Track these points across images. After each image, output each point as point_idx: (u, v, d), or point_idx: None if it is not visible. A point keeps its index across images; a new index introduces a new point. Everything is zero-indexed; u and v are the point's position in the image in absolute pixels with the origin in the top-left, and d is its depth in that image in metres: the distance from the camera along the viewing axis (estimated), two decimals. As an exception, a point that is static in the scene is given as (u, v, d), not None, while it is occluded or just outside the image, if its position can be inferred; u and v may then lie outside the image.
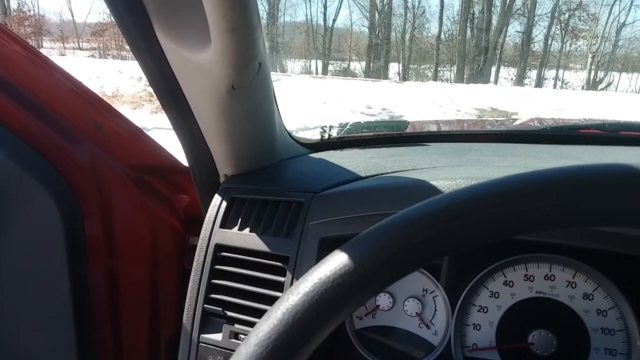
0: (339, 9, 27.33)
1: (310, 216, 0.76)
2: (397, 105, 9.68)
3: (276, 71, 21.25)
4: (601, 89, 21.25)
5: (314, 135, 1.14)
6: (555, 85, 23.78)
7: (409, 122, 1.17)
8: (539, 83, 23.25)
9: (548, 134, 1.12)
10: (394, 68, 26.22)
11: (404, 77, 23.91)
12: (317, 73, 24.12)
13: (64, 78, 0.86)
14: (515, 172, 0.35)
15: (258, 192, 0.84)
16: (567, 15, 23.84)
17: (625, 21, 23.13)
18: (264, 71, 0.70)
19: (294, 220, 0.77)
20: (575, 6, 23.26)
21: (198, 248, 0.82)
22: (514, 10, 23.02)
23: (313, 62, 27.49)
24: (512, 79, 23.75)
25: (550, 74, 24.92)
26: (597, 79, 22.91)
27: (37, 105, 0.83)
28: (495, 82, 20.77)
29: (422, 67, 26.23)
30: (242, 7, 0.56)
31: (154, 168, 0.96)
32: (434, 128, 1.29)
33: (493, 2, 22.44)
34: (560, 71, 24.87)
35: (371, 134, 1.14)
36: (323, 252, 0.73)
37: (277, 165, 0.94)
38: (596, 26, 23.33)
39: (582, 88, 21.28)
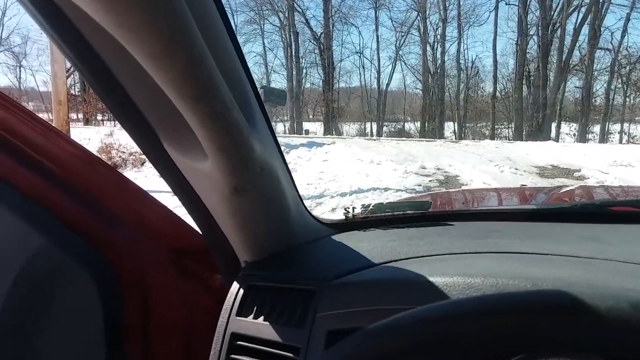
0: (392, 73, 28.14)
1: (320, 306, 0.77)
2: (452, 164, 9.63)
3: (332, 134, 21.82)
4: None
5: (356, 207, 1.16)
6: (621, 140, 22.77)
7: (431, 202, 1.18)
8: (603, 138, 22.36)
9: (577, 211, 1.07)
10: (450, 127, 26.22)
11: (460, 136, 23.80)
12: (372, 135, 24.54)
13: (108, 170, 0.95)
14: (528, 262, 0.43)
15: (273, 279, 0.86)
16: (627, 69, 23.21)
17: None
18: (269, 171, 0.77)
19: (305, 310, 0.78)
20: (635, 59, 22.65)
21: (215, 336, 0.85)
22: (571, 66, 22.72)
23: (368, 124, 28.07)
24: (574, 134, 23.02)
25: (615, 128, 23.99)
26: (668, 132, 21.71)
27: (82, 194, 0.90)
28: (556, 139, 20.20)
29: (478, 125, 26.06)
30: (227, 131, 0.63)
31: (190, 249, 0.99)
32: (458, 206, 1.29)
33: (549, 59, 22.29)
34: (626, 125, 23.92)
35: (394, 214, 1.14)
36: (331, 344, 0.72)
37: (296, 249, 0.96)
38: (661, 78, 22.44)
39: (652, 141, 20.19)
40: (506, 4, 23.83)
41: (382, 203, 1.19)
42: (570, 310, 0.43)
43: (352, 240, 1.00)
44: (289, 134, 21.90)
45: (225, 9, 0.63)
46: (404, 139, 17.67)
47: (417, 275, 0.73)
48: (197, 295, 0.99)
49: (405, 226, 1.08)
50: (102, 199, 0.91)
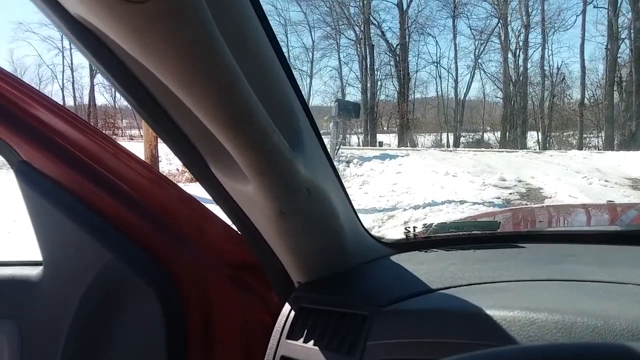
0: (471, 82, 27.30)
1: (371, 334, 0.74)
2: (535, 176, 9.16)
3: (406, 146, 21.56)
4: None
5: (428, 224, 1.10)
6: None
7: (500, 222, 1.10)
8: None
9: None
10: (533, 137, 24.94)
11: (544, 146, 22.55)
12: (448, 146, 23.93)
13: (171, 187, 0.98)
14: (604, 294, 0.38)
15: (326, 302, 0.84)
16: None
17: None
18: (318, 193, 0.75)
19: (356, 336, 0.75)
20: None
21: (265, 359, 0.84)
22: (671, 69, 20.83)
23: (444, 135, 27.41)
24: (674, 143, 20.99)
25: None
26: None
27: (147, 210, 0.94)
28: (654, 148, 18.55)
29: (564, 134, 24.55)
30: (266, 156, 0.62)
31: (248, 265, 0.99)
32: (532, 225, 1.18)
33: (643, 63, 20.60)
34: None
35: (459, 234, 1.06)
36: None
37: (352, 270, 0.93)
38: None
39: None
40: (595, 7, 22.44)
41: (446, 222, 1.11)
42: None
43: (411, 261, 0.96)
44: (363, 146, 21.94)
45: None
46: (482, 149, 17.05)
47: (475, 307, 0.68)
48: (255, 310, 0.99)
49: (471, 247, 1.01)
50: (165, 215, 0.96)
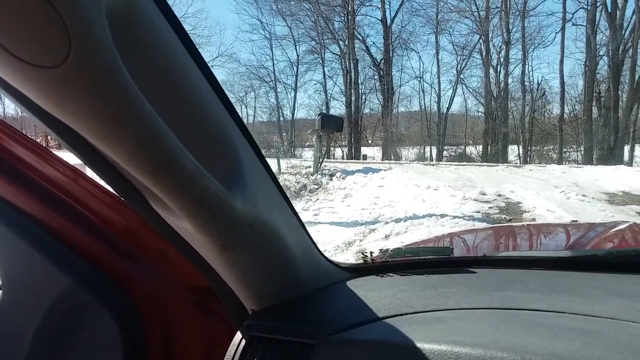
0: (453, 97, 27.74)
1: None
2: (514, 190, 9.31)
3: (390, 159, 21.72)
4: None
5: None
6: None
7: (453, 247, 1.13)
8: (685, 162, 20.74)
9: (611, 260, 0.98)
10: (514, 151, 25.34)
11: (525, 160, 22.92)
12: (431, 159, 24.18)
13: (132, 210, 0.96)
14: (532, 325, 0.41)
15: (276, 330, 0.84)
16: None
17: None
18: (263, 225, 0.75)
19: None
20: None
21: None
22: (646, 85, 21.43)
23: (428, 148, 27.72)
24: (651, 158, 21.52)
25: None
26: None
27: (106, 234, 0.92)
28: (630, 163, 18.93)
29: (545, 148, 25.01)
30: (196, 199, 0.61)
31: (212, 288, 0.98)
32: (484, 248, 1.23)
33: (620, 80, 21.15)
34: None
35: (415, 258, 1.09)
36: None
37: (306, 296, 0.94)
38: None
39: None
40: (573, 24, 23.04)
41: (401, 248, 1.15)
42: None
43: (365, 287, 0.98)
44: (347, 159, 22.05)
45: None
46: (463, 163, 17.28)
47: (410, 340, 0.71)
48: (218, 334, 0.97)
49: (425, 272, 1.04)
50: (126, 239, 0.95)
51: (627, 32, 20.94)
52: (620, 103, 20.98)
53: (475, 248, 1.53)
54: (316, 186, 10.45)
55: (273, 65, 30.09)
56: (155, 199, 0.67)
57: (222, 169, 0.67)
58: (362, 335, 0.78)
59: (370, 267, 1.10)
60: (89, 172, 0.97)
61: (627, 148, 21.10)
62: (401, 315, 0.82)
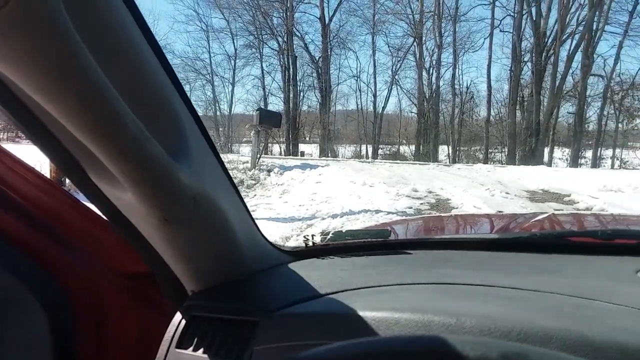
0: (388, 97, 28.43)
1: (260, 339, 0.76)
2: (444, 188, 9.72)
3: (327, 156, 21.96)
4: (665, 168, 20.34)
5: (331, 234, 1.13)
6: (612, 165, 23.03)
7: (390, 230, 1.18)
8: (595, 163, 22.63)
9: (536, 242, 1.06)
10: (444, 151, 26.42)
11: (454, 159, 23.97)
12: (367, 157, 24.71)
13: (62, 194, 0.92)
14: (466, 295, 0.46)
15: (218, 309, 0.83)
16: (620, 95, 23.59)
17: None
18: (207, 201, 0.74)
19: (245, 343, 0.77)
20: (627, 86, 23.05)
21: None
22: (564, 92, 23.07)
23: (364, 146, 28.30)
24: (566, 159, 23.27)
25: (607, 153, 24.31)
26: (660, 157, 22.06)
27: (37, 219, 0.88)
28: (549, 163, 20.38)
29: (472, 149, 26.29)
30: (141, 165, 0.59)
31: (146, 274, 0.94)
32: (417, 229, 1.31)
33: (542, 85, 22.63)
34: (618, 150, 24.26)
35: (355, 241, 1.12)
36: None
37: (248, 278, 0.93)
38: (653, 104, 22.86)
39: (644, 167, 20.44)
40: (501, 31, 24.33)
41: (342, 231, 1.18)
42: (441, 357, 0.46)
43: (306, 268, 0.99)
44: (285, 155, 22.04)
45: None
46: (398, 161, 17.79)
47: (353, 310, 0.73)
48: (153, 320, 0.95)
49: (364, 254, 1.08)
50: (56, 224, 0.90)
51: (550, 40, 22.39)
52: (541, 107, 22.42)
53: (411, 233, 1.60)
54: (254, 182, 10.37)
55: (210, 58, 29.38)
56: (96, 169, 0.64)
57: (167, 138, 0.65)
58: (305, 310, 0.80)
59: (311, 250, 1.12)
60: (14, 151, 0.91)
61: (547, 150, 22.66)
62: (343, 291, 0.85)
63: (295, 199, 8.68)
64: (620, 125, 24.48)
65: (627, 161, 23.37)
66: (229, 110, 29.94)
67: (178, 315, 0.86)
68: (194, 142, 0.72)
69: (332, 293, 0.84)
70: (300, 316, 0.78)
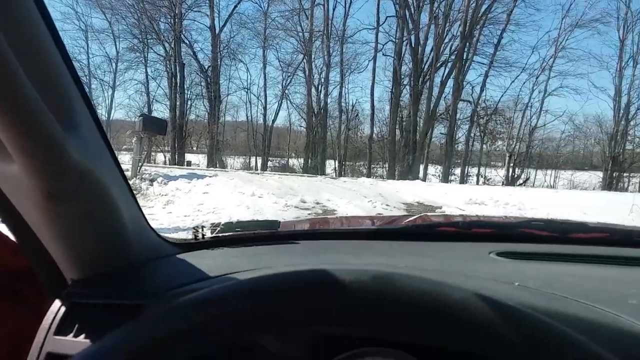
0: (278, 111, 28.68)
1: None
2: (330, 199, 10.07)
3: (216, 167, 21.52)
4: (519, 185, 23.14)
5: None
6: (477, 181, 25.72)
7: (280, 221, 1.22)
8: (463, 179, 25.09)
9: (412, 231, 1.20)
10: (331, 165, 27.34)
11: (340, 173, 24.90)
12: (257, 169, 24.68)
13: None
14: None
15: (100, 295, 0.82)
16: (485, 120, 26.45)
17: (537, 124, 26.06)
18: (94, 181, 0.72)
19: None
20: (491, 111, 25.95)
21: (29, 357, 0.78)
22: (438, 114, 25.24)
23: (253, 158, 28.23)
24: (439, 175, 25.49)
25: (473, 170, 27.08)
26: (515, 175, 25.06)
27: None
28: (424, 179, 22.07)
29: (357, 164, 27.55)
30: (30, 132, 0.58)
31: (20, 272, 0.90)
32: (305, 226, 1.40)
33: (419, 107, 24.52)
34: (482, 169, 27.22)
35: (245, 233, 1.15)
36: None
37: (132, 267, 0.91)
38: (511, 129, 25.97)
39: (502, 184, 23.05)
40: (384, 54, 25.88)
41: (232, 222, 1.20)
42: (320, 286, 0.51)
43: (196, 258, 0.99)
44: (170, 165, 21.17)
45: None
46: (287, 174, 18.03)
47: (240, 282, 0.74)
48: (28, 320, 0.90)
49: (254, 244, 1.10)
50: None
51: (426, 66, 24.38)
52: (418, 128, 24.25)
53: (299, 228, 1.65)
54: (135, 191, 9.81)
55: (88, 59, 27.41)
56: None
57: (60, 112, 0.64)
58: (194, 288, 0.81)
59: (201, 243, 1.12)
60: None
61: (422, 166, 24.54)
62: (232, 273, 0.87)
63: (180, 210, 8.38)
64: (484, 146, 27.60)
65: (490, 178, 26.19)
66: (108, 115, 28.19)
67: (57, 303, 0.83)
68: (84, 122, 0.71)
69: (221, 275, 0.86)
70: (185, 294, 0.79)
